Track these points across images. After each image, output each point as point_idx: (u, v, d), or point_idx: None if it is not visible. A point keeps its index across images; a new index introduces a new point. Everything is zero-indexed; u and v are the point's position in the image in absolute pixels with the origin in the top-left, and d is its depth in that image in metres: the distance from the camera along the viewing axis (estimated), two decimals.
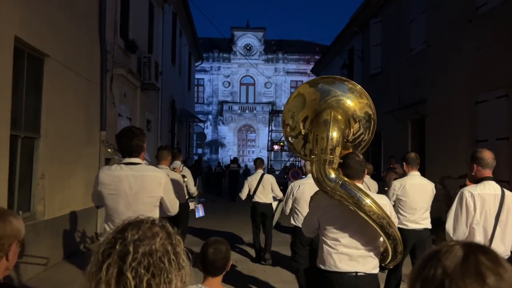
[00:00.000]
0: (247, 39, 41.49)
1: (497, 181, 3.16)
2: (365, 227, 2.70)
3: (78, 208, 7.11)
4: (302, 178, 6.13)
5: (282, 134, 3.38)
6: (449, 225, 3.09)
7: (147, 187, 2.99)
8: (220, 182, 20.20)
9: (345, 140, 2.88)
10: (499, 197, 3.02)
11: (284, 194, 6.00)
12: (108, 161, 8.06)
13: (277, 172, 23.07)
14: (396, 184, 4.59)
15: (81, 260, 6.09)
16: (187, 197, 6.12)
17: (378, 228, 2.66)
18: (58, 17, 6.29)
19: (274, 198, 7.05)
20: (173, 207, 3.18)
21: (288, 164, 25.09)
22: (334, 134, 2.74)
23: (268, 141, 27.04)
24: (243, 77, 41.99)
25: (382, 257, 2.88)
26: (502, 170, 6.60)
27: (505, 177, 6.89)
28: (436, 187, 4.77)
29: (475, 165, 3.10)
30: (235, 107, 40.96)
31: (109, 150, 4.74)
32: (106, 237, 1.02)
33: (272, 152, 27.52)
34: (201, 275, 2.17)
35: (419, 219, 4.51)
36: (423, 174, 8.16)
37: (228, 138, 40.75)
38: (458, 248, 0.87)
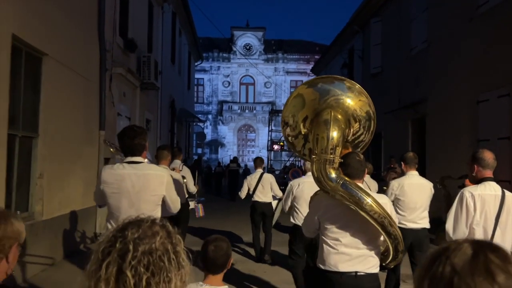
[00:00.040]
0: (247, 38, 41.48)
1: (498, 181, 3.17)
2: (366, 227, 2.69)
3: (77, 208, 7.09)
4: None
5: (282, 134, 3.36)
6: (449, 225, 3.10)
7: (149, 186, 3.00)
8: (220, 182, 20.19)
9: (345, 140, 2.87)
10: (499, 197, 3.02)
11: (284, 194, 6.00)
12: (107, 161, 8.03)
13: (277, 172, 23.05)
14: (394, 184, 4.60)
15: (81, 260, 6.06)
16: (186, 196, 6.11)
17: (379, 228, 2.66)
18: (56, 15, 6.26)
19: (274, 197, 7.03)
20: (175, 205, 3.21)
21: (288, 164, 25.08)
22: (335, 133, 2.74)
23: (268, 140, 27.04)
24: (243, 76, 41.99)
25: (383, 256, 2.88)
26: (503, 169, 6.58)
27: (506, 176, 6.86)
28: (436, 187, 4.77)
29: (475, 166, 3.10)
30: (235, 107, 40.96)
31: (111, 149, 4.74)
32: (106, 236, 1.02)
33: (272, 152, 27.53)
34: (201, 274, 2.15)
35: (417, 218, 4.52)
36: (424, 174, 8.13)
37: (227, 138, 40.75)
38: (467, 245, 0.86)
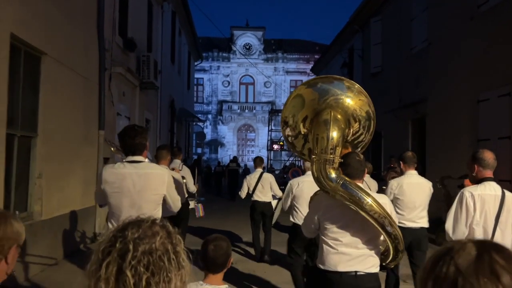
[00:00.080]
0: (247, 38, 41.47)
1: (498, 181, 3.17)
2: (366, 226, 2.69)
3: (77, 207, 7.07)
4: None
5: (281, 134, 3.36)
6: (448, 225, 3.10)
7: (150, 185, 3.01)
8: (220, 182, 20.19)
9: (344, 140, 2.87)
10: (499, 198, 3.02)
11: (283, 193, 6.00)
12: (106, 160, 8.02)
13: (277, 172, 23.06)
14: (393, 183, 4.60)
15: (80, 260, 6.06)
16: (186, 195, 6.10)
17: (379, 228, 2.66)
18: (55, 14, 6.24)
19: (274, 197, 7.02)
20: (176, 204, 3.23)
21: (287, 163, 25.08)
22: (334, 133, 2.75)
23: (268, 140, 27.05)
24: (242, 76, 41.99)
25: (383, 256, 2.88)
26: (504, 169, 6.56)
27: (506, 176, 6.85)
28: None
29: (476, 166, 3.11)
30: (235, 107, 40.95)
31: (112, 148, 4.74)
32: (107, 236, 1.02)
33: (272, 152, 27.54)
34: (200, 273, 2.15)
35: (416, 217, 4.53)
36: (424, 173, 8.11)
37: (227, 137, 40.75)
38: (471, 246, 0.85)
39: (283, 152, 29.73)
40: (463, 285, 0.80)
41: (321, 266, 2.82)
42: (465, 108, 8.85)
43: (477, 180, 3.10)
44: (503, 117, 7.56)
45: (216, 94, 41.20)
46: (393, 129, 12.33)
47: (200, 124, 27.28)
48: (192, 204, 6.79)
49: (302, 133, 2.96)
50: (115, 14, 8.90)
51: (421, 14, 11.13)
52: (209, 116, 40.32)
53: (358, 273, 2.71)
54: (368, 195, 2.66)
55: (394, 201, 4.50)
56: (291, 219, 4.97)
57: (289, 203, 4.99)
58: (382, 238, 2.76)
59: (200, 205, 7.11)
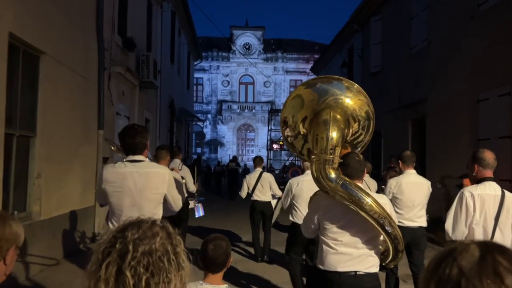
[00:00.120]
0: (246, 38, 41.45)
1: (499, 180, 3.16)
2: (366, 226, 2.69)
3: (76, 207, 7.06)
4: None
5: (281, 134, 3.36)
6: (448, 225, 3.11)
7: (151, 184, 3.02)
8: (220, 181, 20.19)
9: (344, 141, 2.87)
10: (499, 197, 3.03)
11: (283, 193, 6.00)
12: (106, 160, 8.00)
13: (276, 171, 23.05)
14: (392, 182, 4.61)
15: (80, 260, 6.05)
16: (186, 195, 6.09)
17: (379, 228, 2.66)
18: (54, 13, 6.22)
19: (273, 197, 7.02)
20: (177, 203, 3.23)
21: (287, 163, 25.08)
22: (334, 134, 2.74)
23: (268, 140, 27.05)
24: (242, 76, 41.98)
25: (383, 256, 2.88)
26: (504, 169, 6.55)
27: (506, 176, 6.84)
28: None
29: (476, 165, 3.11)
30: (234, 106, 40.94)
31: (112, 147, 4.74)
32: (107, 237, 1.03)
33: (272, 151, 27.54)
34: (200, 273, 2.14)
35: (414, 217, 4.54)
36: (424, 173, 8.09)
37: (227, 137, 40.74)
38: (474, 247, 0.84)
39: (282, 152, 29.73)
40: (466, 287, 0.79)
41: (321, 267, 2.82)
42: (465, 108, 8.83)
43: (477, 180, 3.11)
44: (503, 116, 7.55)
45: (215, 94, 41.19)
46: (393, 129, 12.32)
47: (200, 123, 27.27)
48: (192, 204, 6.78)
49: (302, 133, 2.96)
50: (114, 14, 8.88)
51: (421, 14, 11.11)
52: (209, 115, 40.31)
53: (357, 273, 2.71)
54: (368, 195, 2.66)
55: (393, 200, 4.51)
56: (291, 218, 4.98)
57: (288, 202, 5.00)
58: (382, 238, 2.76)
59: (200, 205, 7.10)
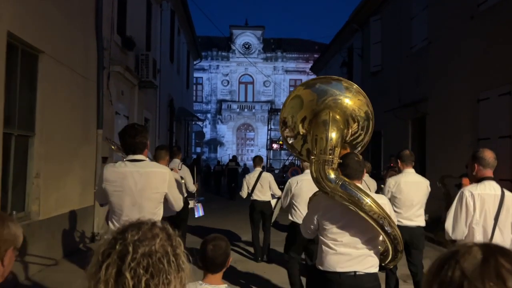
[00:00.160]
0: (246, 37, 41.44)
1: (499, 180, 3.16)
2: (365, 227, 2.69)
3: (75, 207, 7.04)
4: None
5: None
6: (448, 224, 3.11)
7: (152, 183, 3.01)
8: (219, 181, 20.18)
9: (343, 141, 2.87)
10: (498, 197, 3.03)
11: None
12: (105, 160, 7.99)
13: (276, 171, 23.04)
14: (391, 182, 4.61)
15: (79, 260, 6.04)
16: (185, 195, 6.07)
17: (378, 228, 2.66)
18: (53, 13, 6.20)
19: (273, 196, 7.01)
20: (178, 203, 3.23)
21: (287, 163, 25.07)
22: (333, 134, 2.74)
23: (267, 139, 27.04)
24: (242, 75, 41.96)
25: (382, 256, 2.89)
26: (504, 168, 6.54)
27: (506, 175, 6.83)
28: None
29: (476, 165, 3.11)
30: (234, 106, 40.93)
31: (113, 147, 4.74)
32: (107, 238, 1.03)
33: (271, 151, 27.53)
34: (200, 273, 2.14)
35: (413, 216, 4.54)
36: (424, 173, 8.07)
37: (227, 137, 40.73)
38: (476, 249, 0.84)
39: (282, 151, 29.73)
40: None
41: (320, 267, 2.82)
42: (465, 107, 8.82)
43: (477, 179, 3.11)
44: (503, 116, 7.54)
45: (215, 93, 41.17)
46: (393, 129, 12.31)
47: (199, 123, 27.24)
48: (191, 204, 6.77)
49: (301, 134, 2.95)
50: (113, 13, 8.86)
51: (421, 13, 11.09)
52: (208, 115, 40.30)
53: (357, 273, 2.71)
54: (367, 195, 2.66)
55: (392, 199, 4.51)
56: (290, 217, 4.98)
57: (288, 201, 5.00)
58: (381, 238, 2.76)
59: (199, 205, 7.09)
